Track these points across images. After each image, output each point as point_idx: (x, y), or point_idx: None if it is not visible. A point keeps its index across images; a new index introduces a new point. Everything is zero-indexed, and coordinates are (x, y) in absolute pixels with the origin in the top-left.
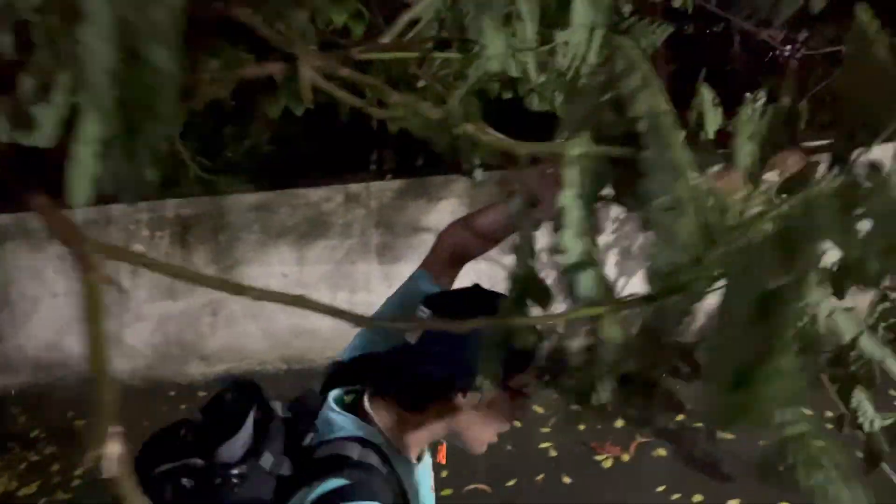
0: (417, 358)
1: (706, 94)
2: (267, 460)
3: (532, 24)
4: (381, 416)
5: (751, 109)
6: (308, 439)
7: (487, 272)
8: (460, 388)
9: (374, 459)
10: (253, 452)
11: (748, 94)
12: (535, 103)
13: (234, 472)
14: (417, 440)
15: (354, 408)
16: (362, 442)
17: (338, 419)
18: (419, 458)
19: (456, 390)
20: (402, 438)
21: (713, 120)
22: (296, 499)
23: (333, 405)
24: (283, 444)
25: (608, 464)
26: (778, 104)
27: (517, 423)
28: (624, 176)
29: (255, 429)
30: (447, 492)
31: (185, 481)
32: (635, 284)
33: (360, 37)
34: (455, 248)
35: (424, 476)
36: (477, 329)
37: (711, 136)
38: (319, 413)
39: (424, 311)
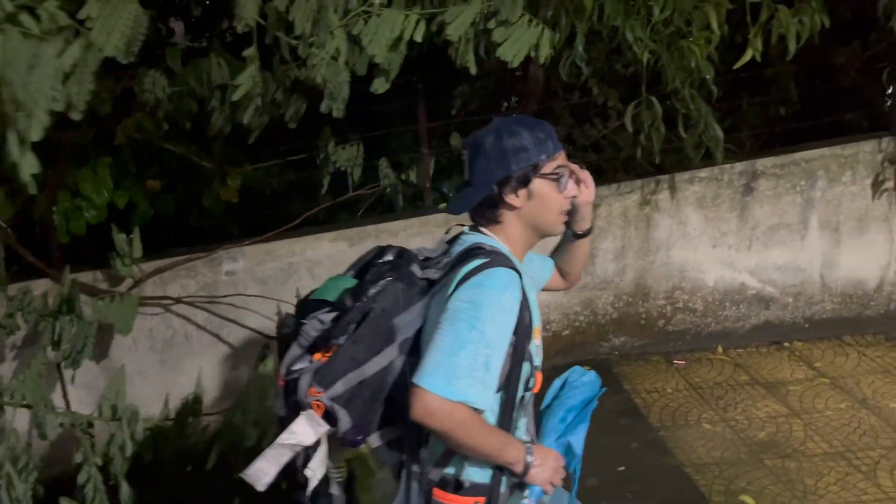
0: (476, 190)
1: None
2: (416, 270)
3: None
4: (491, 230)
5: None
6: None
7: None
8: (507, 191)
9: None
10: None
11: None
12: None
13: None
14: (516, 245)
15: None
16: (490, 245)
17: (467, 237)
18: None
19: (506, 194)
20: (508, 246)
21: None
22: (445, 280)
23: (466, 230)
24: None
25: None
26: None
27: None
28: None
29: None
30: None
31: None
32: None
33: None
34: None
35: (530, 286)
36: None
37: None
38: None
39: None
